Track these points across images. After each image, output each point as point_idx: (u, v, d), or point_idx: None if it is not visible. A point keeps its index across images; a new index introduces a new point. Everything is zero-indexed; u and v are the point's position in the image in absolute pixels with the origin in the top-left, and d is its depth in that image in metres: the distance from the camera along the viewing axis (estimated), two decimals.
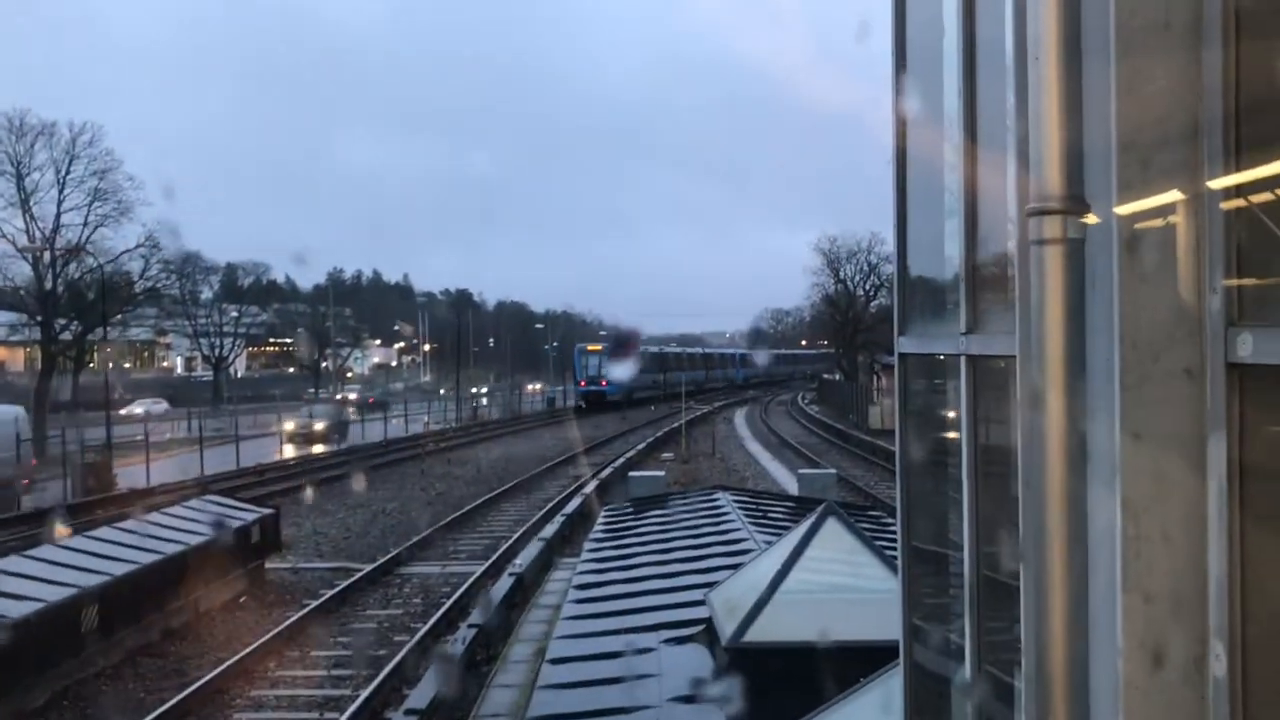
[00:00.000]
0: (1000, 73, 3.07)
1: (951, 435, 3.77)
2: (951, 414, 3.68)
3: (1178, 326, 2.04)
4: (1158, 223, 2.07)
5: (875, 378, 60.90)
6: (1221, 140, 2.00)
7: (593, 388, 71.73)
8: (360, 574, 21.05)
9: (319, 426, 50.81)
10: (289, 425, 50.83)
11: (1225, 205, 1.98)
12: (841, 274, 76.54)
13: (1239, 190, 1.97)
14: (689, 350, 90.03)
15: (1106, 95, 2.10)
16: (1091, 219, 2.10)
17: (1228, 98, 1.99)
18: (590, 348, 74.42)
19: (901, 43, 4.19)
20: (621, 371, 71.06)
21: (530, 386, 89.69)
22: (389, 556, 22.76)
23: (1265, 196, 1.95)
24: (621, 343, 76.34)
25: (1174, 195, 2.05)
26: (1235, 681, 1.96)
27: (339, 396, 75.46)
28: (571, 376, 77.48)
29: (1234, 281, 1.96)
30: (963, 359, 3.34)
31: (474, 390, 79.76)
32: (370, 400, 75.45)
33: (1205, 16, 2.01)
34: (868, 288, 76.46)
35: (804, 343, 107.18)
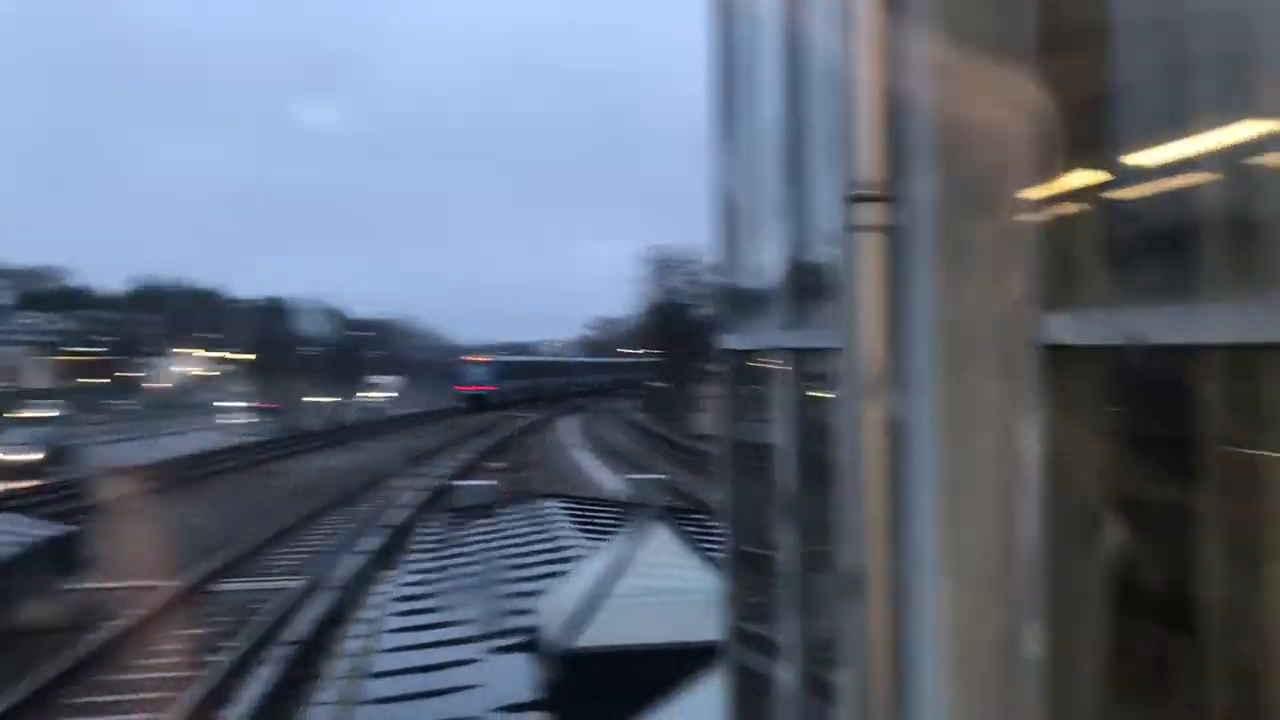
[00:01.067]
0: (822, 56, 3.10)
1: (774, 432, 3.79)
2: (774, 411, 3.70)
3: (993, 310, 2.07)
4: (974, 208, 2.10)
5: (699, 384, 61.83)
6: (1036, 121, 2.03)
7: (474, 393, 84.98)
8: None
9: (28, 456, 40.27)
10: None
11: (1039, 190, 2.02)
12: (667, 283, 77.67)
13: (1053, 171, 2.01)
14: (551, 360, 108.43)
15: (925, 83, 2.12)
16: (909, 206, 2.12)
17: (1043, 81, 2.03)
18: (470, 359, 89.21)
19: (725, 21, 4.20)
20: (498, 379, 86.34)
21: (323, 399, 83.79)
22: None
23: (1077, 177, 2.00)
24: (498, 356, 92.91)
25: (989, 181, 2.08)
26: (1048, 662, 1.99)
27: (32, 414, 59.20)
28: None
29: (1048, 264, 1.99)
30: (784, 352, 3.36)
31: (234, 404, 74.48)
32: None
33: (1024, 7, 2.05)
34: (693, 297, 77.63)
35: (629, 350, 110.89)
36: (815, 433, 3.31)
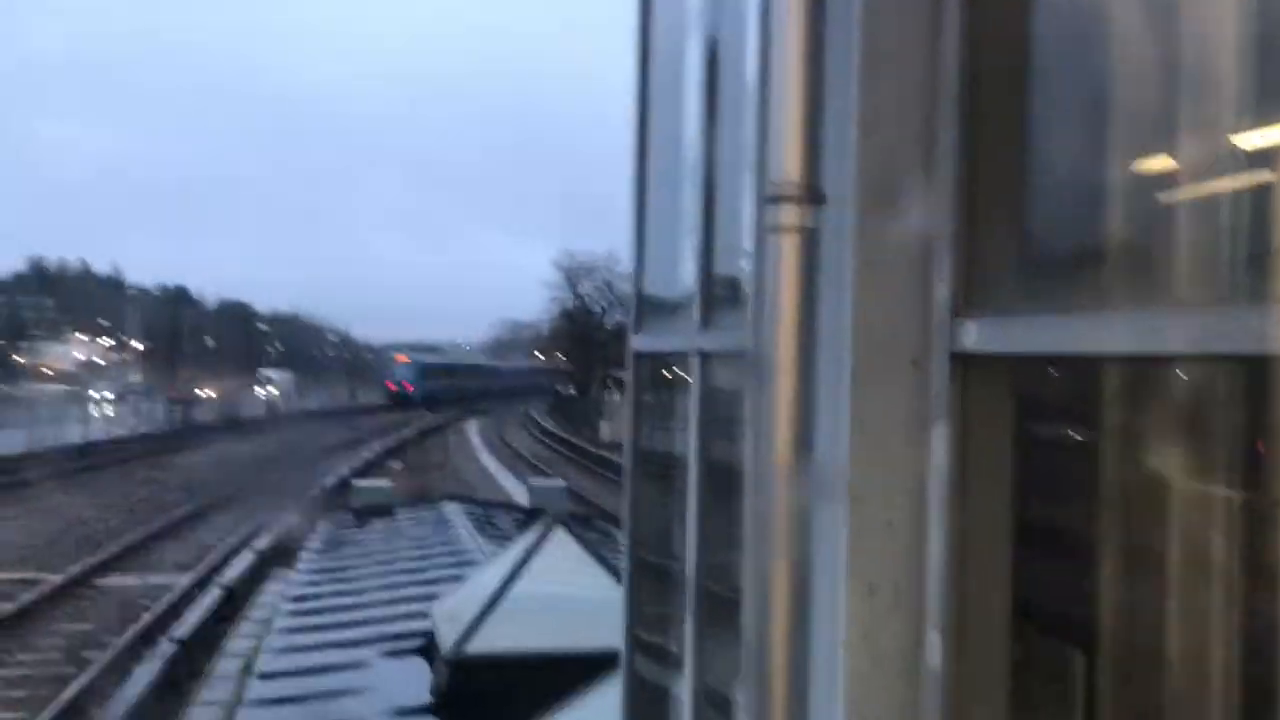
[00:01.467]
0: (740, 58, 3.07)
1: (680, 438, 3.76)
2: (681, 415, 3.66)
3: (906, 316, 2.05)
4: (890, 212, 2.08)
5: (606, 391, 61.90)
6: (956, 130, 2.02)
7: (401, 391, 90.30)
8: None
9: None
10: None
11: (954, 195, 2.01)
12: (579, 289, 77.67)
13: (969, 180, 1.99)
14: (470, 363, 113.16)
15: (848, 82, 2.10)
16: (826, 208, 2.08)
17: (963, 88, 2.01)
18: (399, 358, 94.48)
19: (646, 28, 4.17)
20: (421, 379, 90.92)
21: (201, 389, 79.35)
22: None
23: (992, 186, 1.98)
24: (421, 356, 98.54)
25: (908, 183, 2.06)
26: (950, 672, 1.97)
27: None
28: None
29: (961, 272, 1.98)
30: (695, 356, 3.32)
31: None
32: None
33: (945, 9, 2.03)
34: (604, 304, 77.78)
35: (540, 354, 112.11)
36: (721, 438, 3.27)
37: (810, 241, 2.13)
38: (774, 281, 2.18)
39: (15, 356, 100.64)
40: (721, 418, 3.23)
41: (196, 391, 75.32)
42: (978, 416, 1.96)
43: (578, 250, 78.34)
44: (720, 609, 3.17)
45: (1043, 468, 1.98)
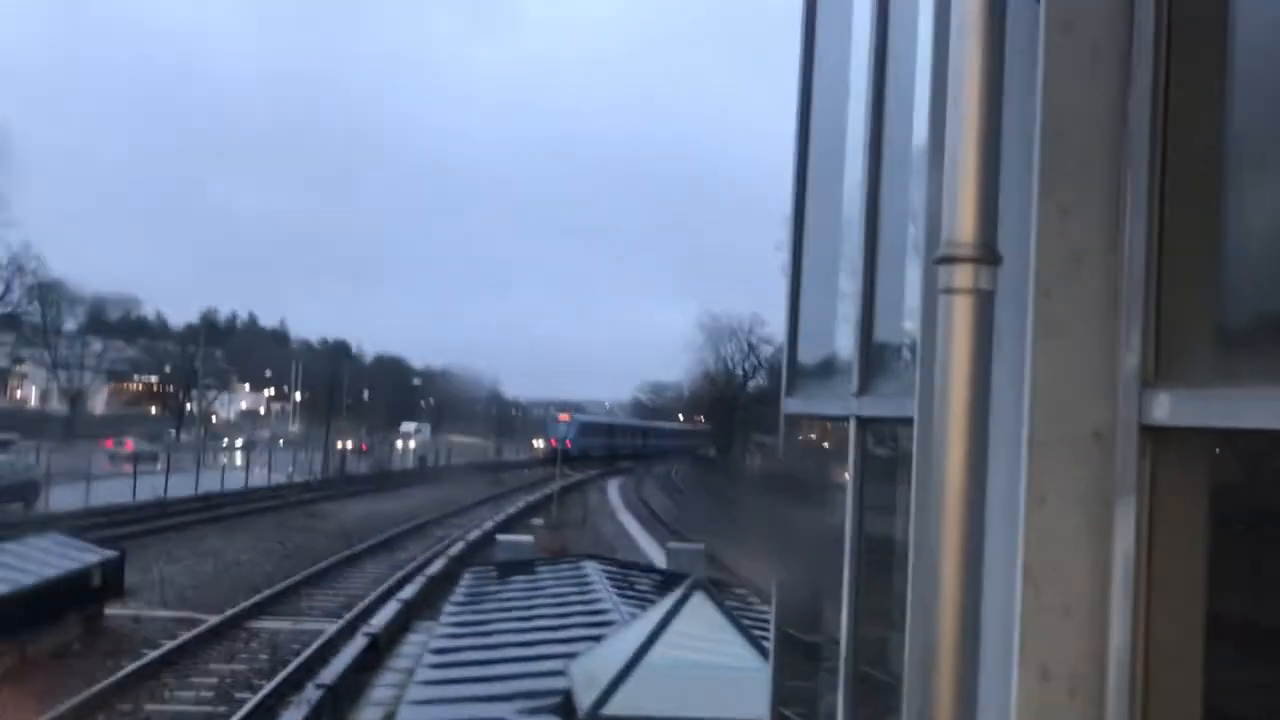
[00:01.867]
0: (907, 119, 2.99)
1: (835, 506, 3.64)
2: (838, 477, 3.55)
3: (1089, 385, 1.92)
4: (1073, 275, 1.97)
5: (748, 455, 61.38)
6: (1145, 191, 1.91)
7: (561, 446, 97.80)
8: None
9: None
10: None
11: (1144, 259, 1.89)
12: (722, 351, 77.71)
13: (1159, 244, 1.87)
14: (624, 423, 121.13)
15: (1029, 140, 2.01)
16: (1003, 271, 1.99)
17: (1153, 148, 1.91)
18: (561, 416, 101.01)
19: (808, 88, 4.13)
20: (580, 436, 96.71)
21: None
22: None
23: (1185, 251, 1.86)
24: (580, 415, 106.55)
25: (1092, 246, 1.95)
26: None
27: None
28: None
29: (1151, 339, 1.85)
30: (852, 421, 3.22)
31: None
32: (128, 446, 60.27)
33: (1135, 53, 1.93)
34: (746, 367, 77.62)
35: (680, 417, 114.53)
36: (880, 509, 3.16)
37: (985, 304, 2.03)
38: (945, 345, 2.09)
39: (187, 404, 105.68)
40: (882, 486, 3.12)
41: (346, 443, 77.61)
42: (1168, 495, 1.82)
43: (721, 312, 78.40)
44: (874, 691, 3.04)
45: (1242, 555, 1.82)
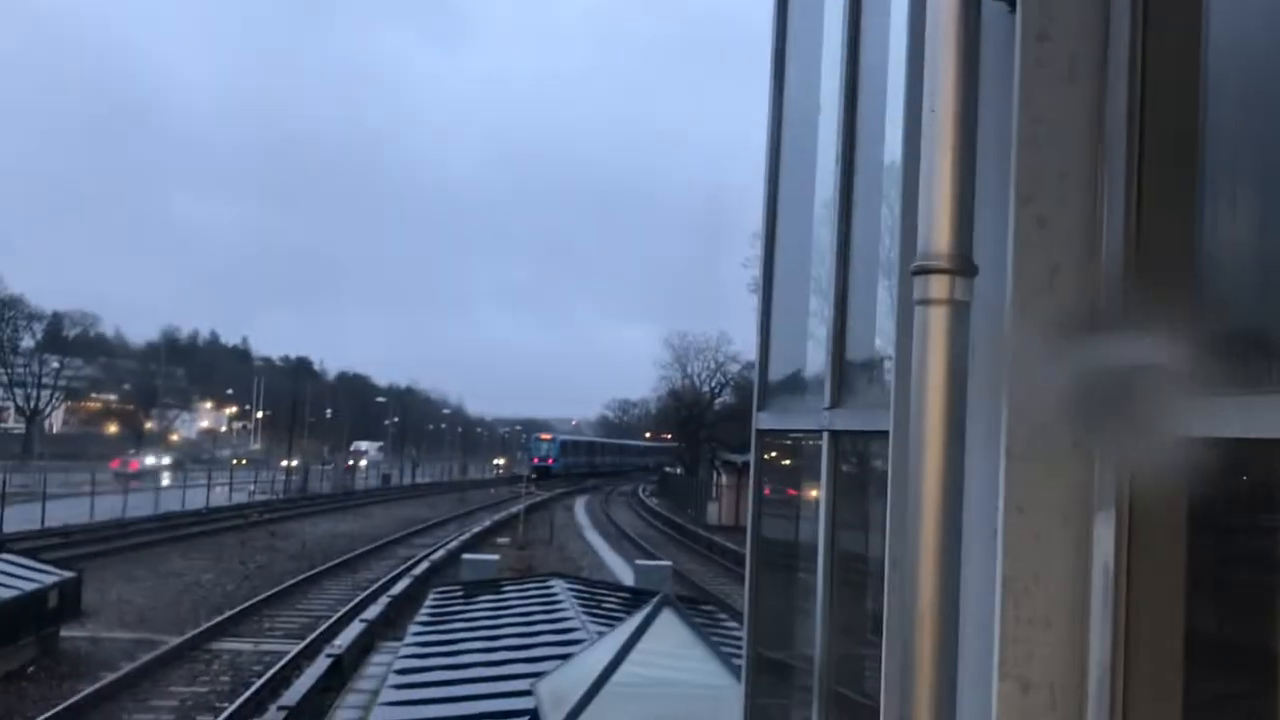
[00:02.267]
0: (879, 130, 2.99)
1: (807, 522, 3.62)
2: (809, 498, 3.54)
3: (1068, 395, 1.91)
4: (1051, 285, 1.96)
5: (715, 473, 61.39)
6: (1123, 201, 1.91)
7: (542, 464, 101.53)
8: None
9: None
10: None
11: (1121, 269, 1.88)
12: (689, 369, 77.84)
13: (1136, 253, 1.87)
14: (602, 441, 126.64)
15: (1005, 149, 2.00)
16: (979, 280, 1.98)
17: (1130, 158, 1.90)
18: (543, 436, 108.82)
19: (779, 102, 4.13)
20: (560, 455, 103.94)
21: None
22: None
23: (1162, 260, 1.86)
24: (562, 434, 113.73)
25: (1069, 257, 1.95)
26: None
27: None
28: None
29: None
30: (825, 435, 3.20)
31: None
32: (134, 466, 60.54)
33: (1110, 62, 1.93)
34: (713, 385, 77.75)
35: (648, 434, 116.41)
36: (854, 524, 3.14)
37: (960, 314, 2.02)
38: (921, 356, 2.08)
39: (146, 423, 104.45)
40: (854, 501, 3.10)
41: (291, 463, 76.76)
42: (1148, 506, 1.81)
43: (689, 330, 78.73)
44: (850, 710, 3.01)
45: (1220, 566, 1.82)
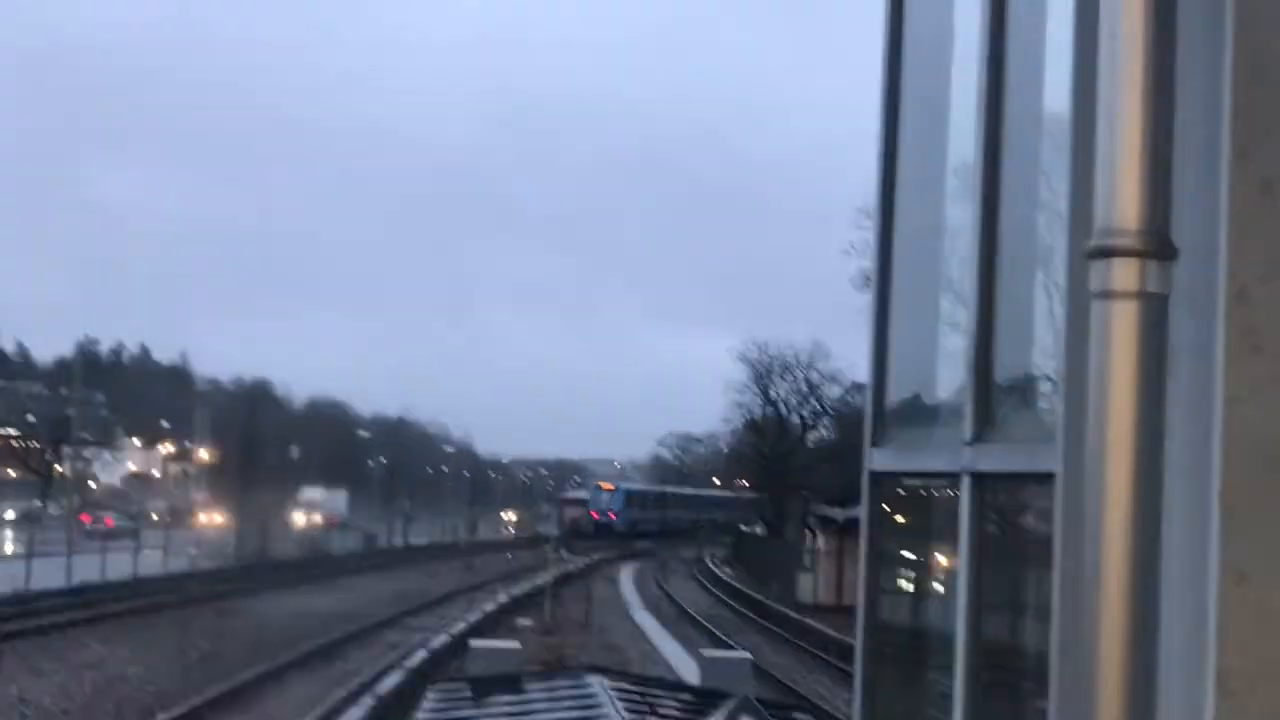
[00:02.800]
0: (1037, 61, 2.98)
1: (941, 592, 3.62)
2: (945, 562, 3.54)
3: None
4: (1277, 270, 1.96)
5: (809, 533, 61.32)
6: None
7: (604, 520, 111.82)
8: None
9: None
10: None
11: None
12: (772, 393, 77.70)
13: None
14: (674, 491, 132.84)
15: (1215, 92, 1.99)
16: (1180, 265, 1.97)
17: None
18: (604, 485, 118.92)
19: (897, 51, 4.15)
20: (626, 507, 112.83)
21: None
22: None
23: None
24: (626, 484, 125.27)
25: None
26: None
27: None
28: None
29: None
30: (966, 480, 3.21)
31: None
32: (108, 523, 66.39)
33: None
34: (805, 414, 77.62)
35: (716, 480, 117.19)
36: (1004, 602, 3.14)
37: (1155, 311, 2.00)
38: (1100, 370, 2.06)
39: (56, 466, 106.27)
40: (1006, 571, 3.09)
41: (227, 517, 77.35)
42: None
43: (770, 340, 78.15)
44: None
45: None
